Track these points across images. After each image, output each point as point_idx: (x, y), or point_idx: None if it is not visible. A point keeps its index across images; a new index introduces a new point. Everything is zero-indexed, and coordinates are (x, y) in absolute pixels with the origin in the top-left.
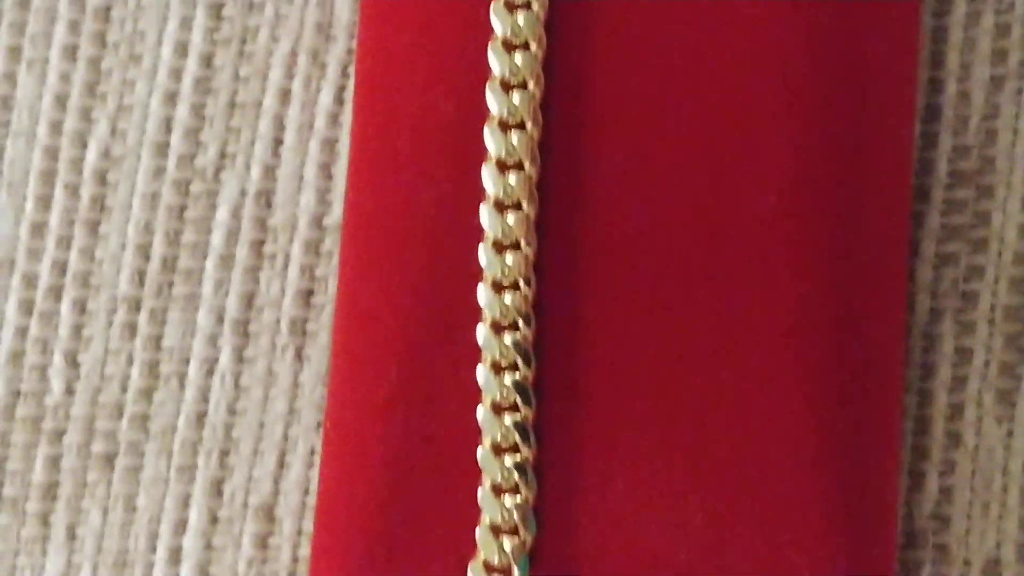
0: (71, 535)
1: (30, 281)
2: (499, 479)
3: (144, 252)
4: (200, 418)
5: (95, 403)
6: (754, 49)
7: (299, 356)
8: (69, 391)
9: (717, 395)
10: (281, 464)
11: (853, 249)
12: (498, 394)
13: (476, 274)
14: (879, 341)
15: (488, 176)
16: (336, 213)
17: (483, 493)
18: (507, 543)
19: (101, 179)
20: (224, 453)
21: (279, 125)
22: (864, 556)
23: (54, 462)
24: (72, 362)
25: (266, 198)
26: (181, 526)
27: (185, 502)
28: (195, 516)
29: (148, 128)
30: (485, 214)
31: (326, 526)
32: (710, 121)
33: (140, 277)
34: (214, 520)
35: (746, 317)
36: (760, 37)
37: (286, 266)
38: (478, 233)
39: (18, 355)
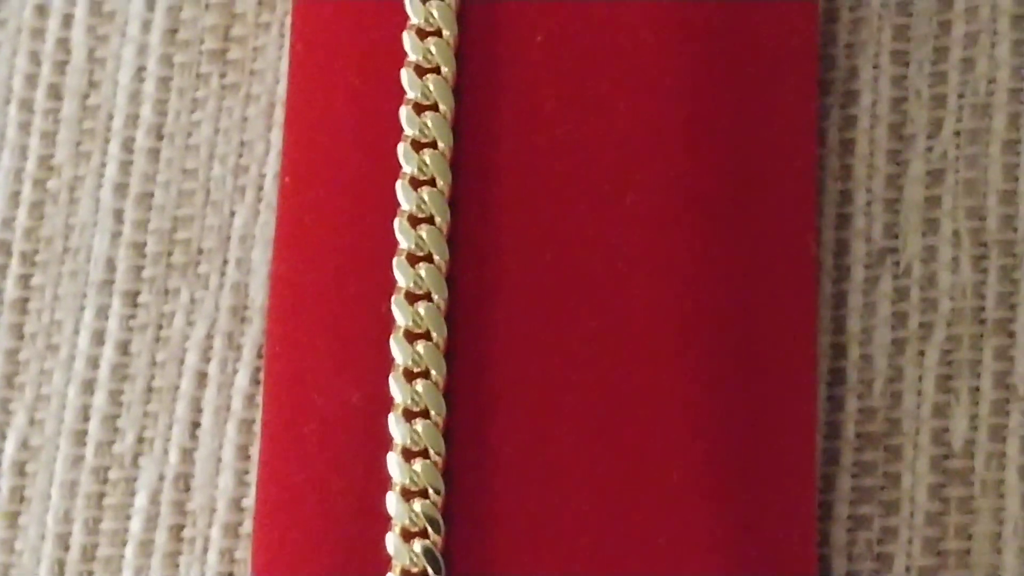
0: None
1: None
2: (408, 483)
3: (63, 542)
4: None
5: None
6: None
7: None
8: None
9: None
10: None
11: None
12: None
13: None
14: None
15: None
16: (252, 498)
17: (393, 498)
18: (417, 545)
19: (20, 470)
20: None
21: (196, 408)
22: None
23: None
24: None
25: (184, 482)
26: None
27: None
28: None
29: (66, 417)
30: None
31: None
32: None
33: (60, 567)
34: None
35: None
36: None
37: (205, 550)
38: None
39: None
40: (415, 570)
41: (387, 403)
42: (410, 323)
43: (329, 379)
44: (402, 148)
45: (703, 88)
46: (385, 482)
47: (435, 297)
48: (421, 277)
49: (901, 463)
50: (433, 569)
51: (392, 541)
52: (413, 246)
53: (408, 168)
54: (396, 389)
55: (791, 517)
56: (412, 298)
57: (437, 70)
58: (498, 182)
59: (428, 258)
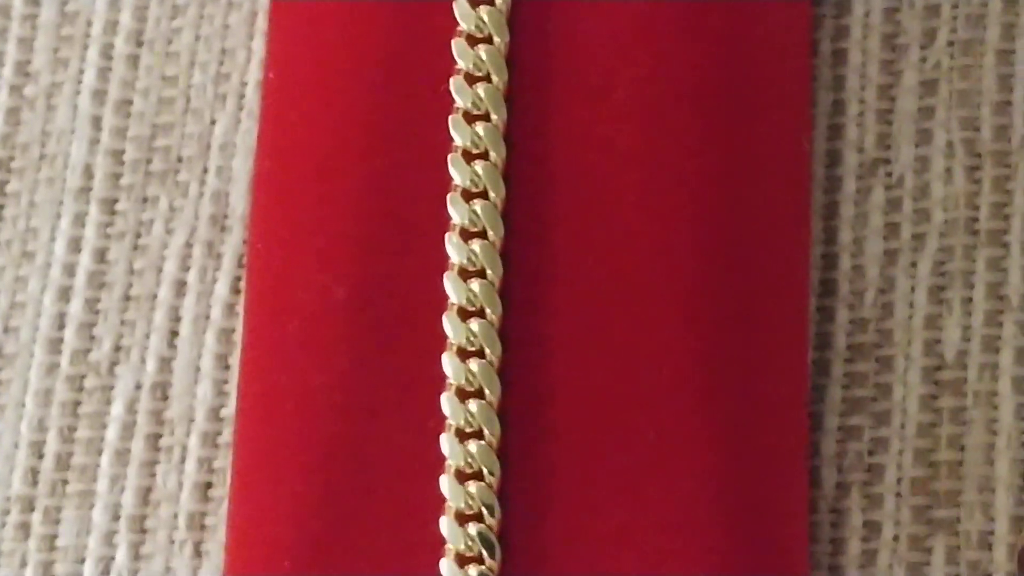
0: None
1: None
2: (463, 465)
3: (38, 450)
4: None
5: None
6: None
7: (197, 551)
8: None
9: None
10: None
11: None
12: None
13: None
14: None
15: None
16: (233, 404)
17: (447, 480)
18: (472, 528)
19: None
20: None
21: (174, 317)
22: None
23: None
24: None
25: (162, 391)
26: None
27: None
28: None
29: (41, 324)
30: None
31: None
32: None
33: (34, 475)
34: None
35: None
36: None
37: (183, 459)
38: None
39: None
40: (469, 554)
41: (372, 299)
42: (464, 301)
43: (313, 275)
44: (452, 120)
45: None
46: (369, 385)
47: (489, 274)
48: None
49: (892, 374)
50: (488, 553)
51: (447, 524)
52: (467, 221)
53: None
54: (450, 368)
55: (781, 440)
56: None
57: (489, 39)
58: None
59: (483, 234)
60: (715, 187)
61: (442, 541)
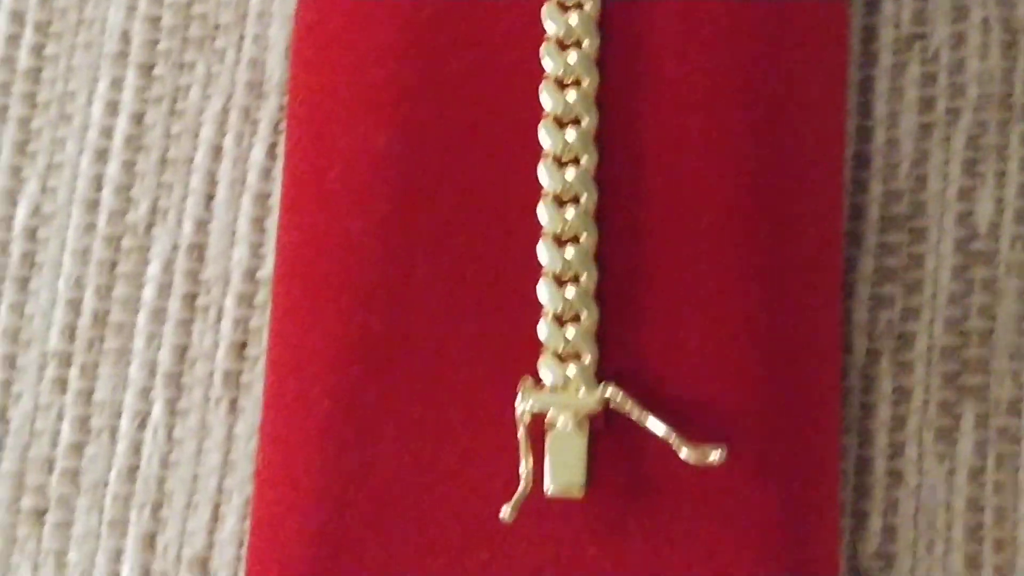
0: None
1: None
2: (559, 271)
3: (75, 307)
4: (132, 471)
5: (24, 458)
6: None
7: (233, 408)
8: None
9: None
10: (215, 517)
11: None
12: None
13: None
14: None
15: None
16: (270, 266)
17: (544, 285)
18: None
19: (31, 236)
20: (157, 506)
21: (211, 181)
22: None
23: None
24: (1, 417)
25: (198, 252)
26: None
27: (117, 556)
28: (127, 570)
29: (79, 186)
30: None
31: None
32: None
33: (71, 332)
34: (147, 574)
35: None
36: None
37: (219, 319)
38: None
39: None
40: (566, 352)
41: (413, 146)
42: (560, 111)
43: (354, 122)
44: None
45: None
46: (414, 227)
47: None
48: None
49: (925, 244)
50: (588, 351)
51: (544, 327)
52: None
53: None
54: (546, 177)
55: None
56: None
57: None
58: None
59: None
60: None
61: (536, 346)
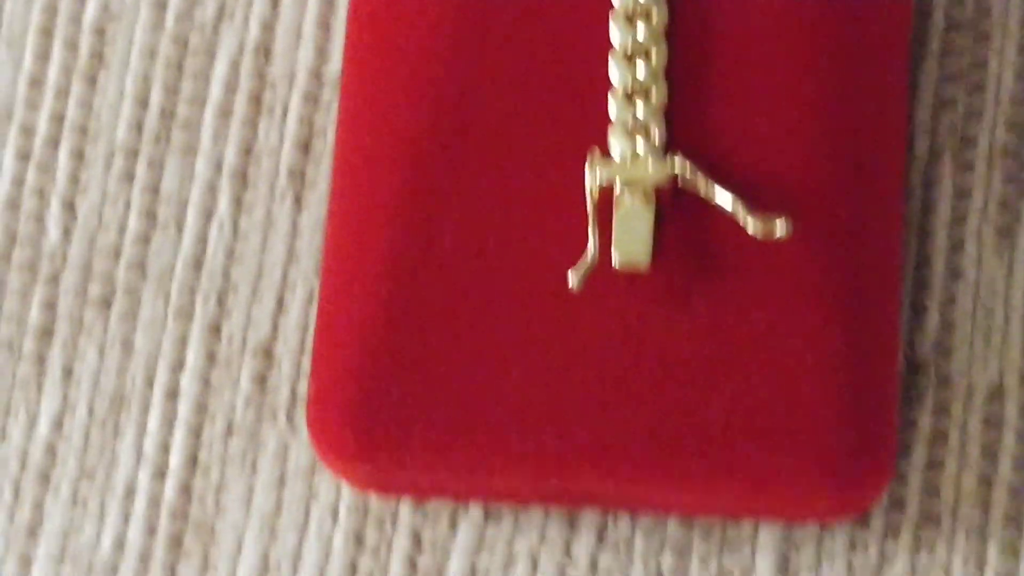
0: (67, 374)
1: (28, 131)
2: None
3: (142, 103)
4: (198, 262)
5: (92, 247)
6: None
7: (298, 202)
8: (66, 236)
9: None
10: (280, 305)
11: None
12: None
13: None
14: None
15: None
16: (334, 66)
17: (614, 63)
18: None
19: (100, 33)
20: (222, 296)
21: None
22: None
23: (50, 304)
24: (69, 208)
25: (265, 51)
26: (179, 366)
27: (183, 343)
28: (192, 356)
29: None
30: None
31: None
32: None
33: (138, 126)
34: (212, 360)
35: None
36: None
37: (284, 116)
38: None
39: (15, 202)
40: (635, 127)
41: None
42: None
43: None
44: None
45: None
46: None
47: None
48: None
49: (989, 47)
50: (657, 126)
51: (614, 103)
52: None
53: None
54: None
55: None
56: None
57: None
58: None
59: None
60: None
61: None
